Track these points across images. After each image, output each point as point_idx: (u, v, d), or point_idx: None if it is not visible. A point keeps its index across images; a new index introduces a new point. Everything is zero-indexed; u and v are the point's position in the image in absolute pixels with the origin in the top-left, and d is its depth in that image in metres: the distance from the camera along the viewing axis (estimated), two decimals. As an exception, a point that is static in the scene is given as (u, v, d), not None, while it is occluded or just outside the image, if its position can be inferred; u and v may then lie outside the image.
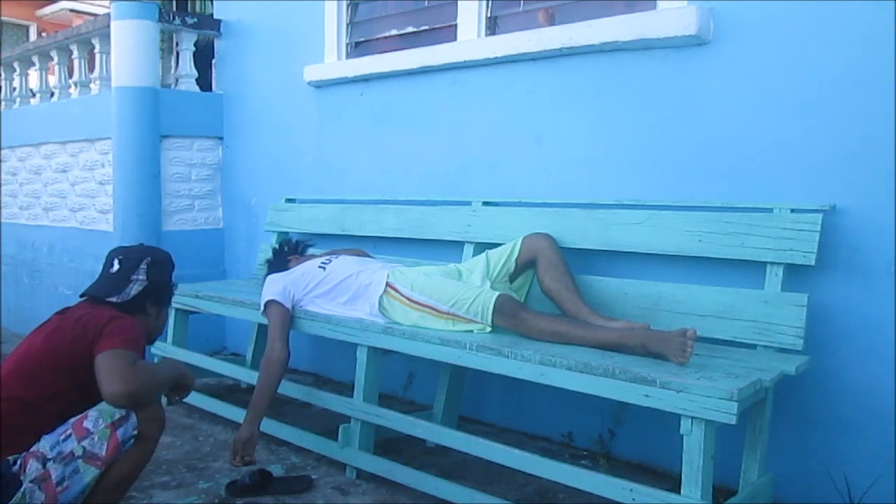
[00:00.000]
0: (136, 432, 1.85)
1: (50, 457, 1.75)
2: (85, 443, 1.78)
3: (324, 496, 2.47)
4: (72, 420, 1.82)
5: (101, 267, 2.17)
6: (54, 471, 1.74)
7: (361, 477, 2.59)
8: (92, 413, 1.82)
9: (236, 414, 2.96)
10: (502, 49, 3.01)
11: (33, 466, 1.73)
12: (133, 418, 1.85)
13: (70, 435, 1.79)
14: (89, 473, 1.78)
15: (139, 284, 2.09)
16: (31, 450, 1.76)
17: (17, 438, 1.76)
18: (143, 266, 2.11)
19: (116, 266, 2.12)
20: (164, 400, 2.12)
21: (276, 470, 2.62)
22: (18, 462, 1.73)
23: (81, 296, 2.12)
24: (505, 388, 3.06)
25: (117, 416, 1.83)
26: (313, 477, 2.60)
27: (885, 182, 2.16)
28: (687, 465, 1.83)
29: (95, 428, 1.80)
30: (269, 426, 2.80)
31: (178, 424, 3.13)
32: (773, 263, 2.27)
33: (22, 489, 1.69)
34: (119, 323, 1.92)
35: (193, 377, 2.16)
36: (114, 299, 2.04)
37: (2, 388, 1.81)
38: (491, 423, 3.12)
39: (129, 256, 2.15)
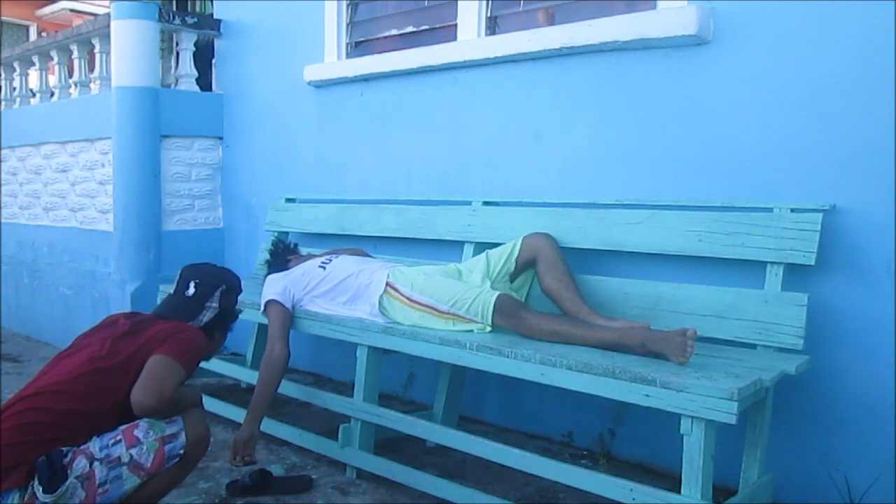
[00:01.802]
0: (182, 451, 1.86)
1: (98, 457, 1.76)
2: (133, 451, 1.79)
3: (324, 496, 2.47)
4: (123, 426, 1.83)
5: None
6: (98, 472, 1.74)
7: (361, 477, 2.59)
8: (143, 424, 1.83)
9: (236, 414, 2.96)
10: (502, 49, 3.01)
11: (81, 463, 1.74)
12: (182, 438, 1.86)
13: (120, 441, 1.80)
14: (131, 481, 1.78)
15: (212, 312, 2.11)
16: (82, 447, 1.76)
17: (73, 437, 1.77)
18: (218, 294, 2.13)
19: (192, 290, 2.13)
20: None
21: (277, 470, 2.62)
22: (69, 455, 1.73)
23: (156, 312, 2.14)
24: (505, 387, 3.06)
25: (168, 431, 1.84)
26: (313, 477, 2.60)
27: (885, 182, 2.16)
28: (687, 465, 1.83)
29: (146, 439, 1.81)
30: (269, 426, 2.80)
31: (178, 424, 3.13)
32: (773, 263, 2.27)
33: (66, 483, 1.69)
34: (187, 335, 1.95)
35: (201, 400, 2.17)
36: (189, 324, 2.07)
37: (65, 390, 1.81)
38: (491, 423, 3.12)
39: (205, 281, 2.16)
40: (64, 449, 1.73)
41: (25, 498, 1.66)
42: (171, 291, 2.21)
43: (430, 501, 2.38)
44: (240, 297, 2.32)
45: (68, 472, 1.70)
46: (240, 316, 2.31)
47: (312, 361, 3.87)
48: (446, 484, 2.36)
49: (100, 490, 1.74)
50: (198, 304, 2.12)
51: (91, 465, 1.74)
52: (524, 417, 3.03)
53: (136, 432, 1.81)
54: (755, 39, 2.41)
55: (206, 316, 2.10)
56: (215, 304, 2.13)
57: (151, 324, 2.01)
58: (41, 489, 1.65)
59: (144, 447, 1.81)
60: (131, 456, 1.79)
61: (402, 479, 2.46)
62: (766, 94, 2.39)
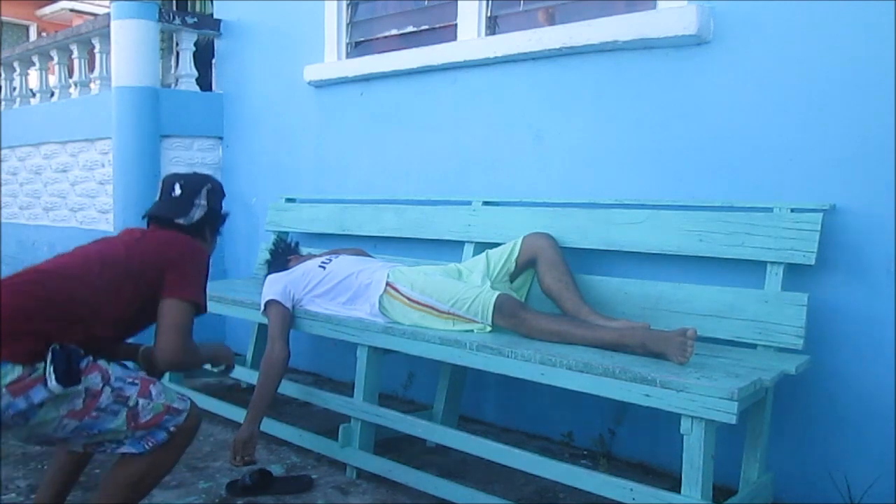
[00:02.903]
0: (173, 430, 1.84)
1: (112, 384, 1.76)
2: (141, 400, 1.79)
3: (324, 496, 2.47)
4: (144, 375, 1.87)
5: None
6: (104, 396, 1.74)
7: (362, 477, 2.59)
8: (160, 385, 1.87)
9: (236, 414, 2.96)
10: (502, 49, 3.01)
11: (95, 379, 1.73)
12: (183, 418, 1.85)
13: (136, 384, 1.80)
14: (119, 422, 1.75)
15: (201, 210, 2.12)
16: (100, 363, 1.76)
17: (71, 326, 1.75)
18: (204, 192, 2.15)
19: (178, 191, 2.14)
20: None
21: (277, 470, 2.62)
22: (86, 363, 1.72)
23: (145, 217, 2.15)
24: (505, 387, 3.06)
25: (175, 405, 1.85)
26: (313, 477, 2.60)
27: (885, 182, 2.16)
28: (687, 465, 1.83)
29: (156, 398, 1.82)
30: (269, 426, 2.80)
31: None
32: (773, 263, 2.27)
33: (77, 387, 1.68)
34: (193, 260, 1.99)
35: (230, 356, 2.27)
36: (181, 221, 2.08)
37: (77, 275, 1.83)
38: (491, 423, 3.12)
39: (189, 183, 2.18)
40: (82, 352, 1.71)
41: (30, 376, 1.62)
42: (158, 197, 2.21)
43: (430, 501, 2.38)
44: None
45: (81, 377, 1.69)
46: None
47: (312, 361, 3.87)
48: (446, 484, 2.36)
49: (94, 413, 1.72)
50: (187, 202, 2.12)
51: (103, 386, 1.74)
52: (524, 417, 3.03)
53: (151, 387, 1.83)
54: (755, 39, 2.41)
55: (197, 214, 2.11)
56: (203, 202, 2.14)
57: (154, 232, 2.06)
58: (54, 377, 1.63)
59: (151, 404, 1.80)
60: (137, 403, 1.78)
61: (402, 479, 2.46)
62: (766, 94, 2.39)
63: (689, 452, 1.83)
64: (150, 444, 1.81)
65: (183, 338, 1.90)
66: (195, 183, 2.18)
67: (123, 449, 1.80)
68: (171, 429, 1.83)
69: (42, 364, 1.64)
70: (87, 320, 1.78)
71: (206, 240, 2.18)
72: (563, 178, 2.89)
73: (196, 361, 2.11)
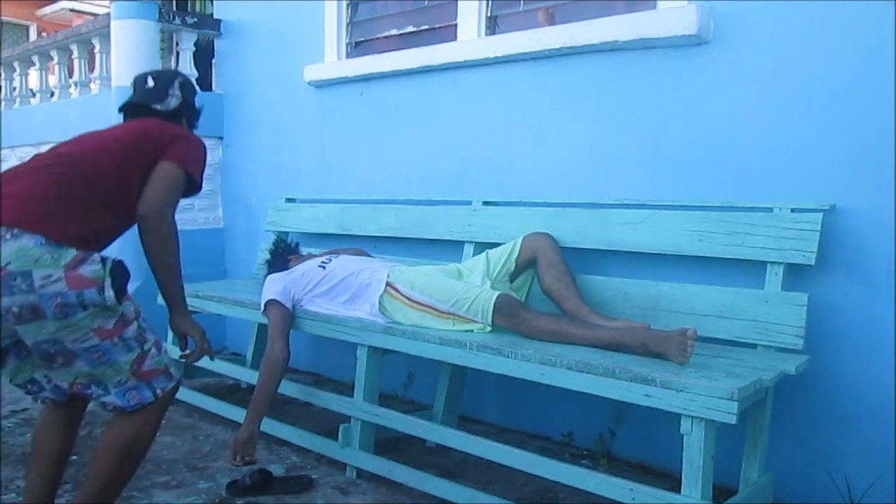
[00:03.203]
0: (158, 393, 1.83)
1: (139, 321, 1.80)
2: (152, 350, 1.82)
3: (324, 496, 2.47)
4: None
5: None
6: (132, 328, 1.76)
7: (362, 477, 2.59)
8: (165, 346, 1.91)
9: (236, 414, 2.96)
10: (502, 49, 3.01)
11: (130, 308, 1.77)
12: (171, 385, 1.86)
13: (151, 333, 1.84)
14: (127, 358, 1.76)
15: (176, 99, 2.16)
16: (133, 300, 1.80)
17: (99, 207, 1.81)
18: (177, 83, 2.20)
19: (152, 83, 2.18)
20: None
21: (277, 470, 2.62)
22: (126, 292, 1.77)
23: (121, 109, 2.17)
24: (505, 387, 3.06)
25: (172, 369, 1.88)
26: (313, 477, 2.60)
27: (885, 182, 2.16)
28: (687, 465, 1.83)
29: (162, 354, 1.85)
30: (269, 426, 2.80)
31: (178, 424, 3.14)
32: (773, 263, 2.27)
33: (119, 308, 1.71)
34: (194, 142, 2.02)
35: (205, 342, 2.09)
36: (158, 107, 2.11)
37: (88, 161, 1.85)
38: (491, 422, 3.12)
39: (161, 75, 2.23)
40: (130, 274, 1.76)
41: (86, 269, 1.65)
42: (131, 95, 2.22)
43: (430, 501, 2.38)
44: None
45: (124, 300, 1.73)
46: (201, 115, 2.35)
47: (312, 361, 3.87)
48: (446, 484, 2.36)
49: (115, 339, 1.73)
50: (162, 92, 2.15)
51: (134, 318, 1.77)
52: (524, 417, 3.03)
53: (161, 343, 1.87)
54: (755, 39, 2.41)
55: (173, 102, 2.15)
56: (178, 93, 2.17)
57: (146, 120, 2.06)
58: (112, 288, 1.66)
59: (157, 357, 1.83)
60: (149, 350, 1.81)
61: (402, 479, 2.46)
62: (766, 94, 2.39)
63: (689, 452, 1.83)
64: (134, 400, 1.79)
65: (170, 195, 1.90)
66: (167, 75, 2.23)
67: (108, 398, 1.78)
68: (158, 391, 1.83)
69: (98, 258, 1.68)
70: (109, 206, 1.83)
71: None
72: (563, 178, 2.89)
73: (174, 245, 1.92)
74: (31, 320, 1.63)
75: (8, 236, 1.61)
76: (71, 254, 1.66)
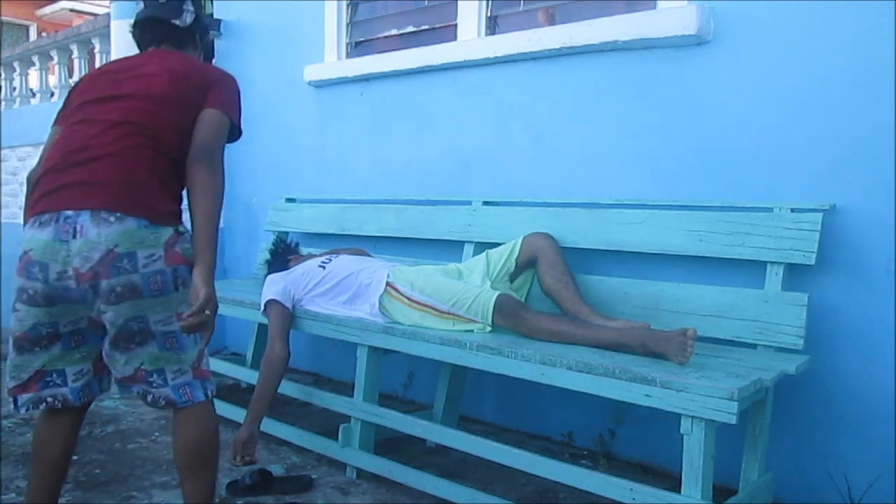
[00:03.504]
0: (209, 394, 1.86)
1: None
2: (205, 350, 1.88)
3: (324, 496, 2.47)
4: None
5: None
6: None
7: (362, 477, 2.59)
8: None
9: (236, 414, 2.96)
10: (502, 49, 3.01)
11: None
12: (213, 389, 1.89)
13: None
14: (192, 352, 1.83)
15: (191, 14, 2.12)
16: None
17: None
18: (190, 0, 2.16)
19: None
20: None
21: (277, 470, 2.62)
22: None
23: (136, 22, 2.10)
24: (505, 387, 3.06)
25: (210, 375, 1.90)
26: (313, 477, 2.60)
27: (885, 182, 2.16)
28: (687, 465, 1.83)
29: (206, 358, 1.90)
30: (269, 426, 2.80)
31: (178, 424, 3.13)
32: (773, 263, 2.27)
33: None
34: (231, 83, 2.01)
35: (208, 300, 1.74)
36: (176, 22, 2.07)
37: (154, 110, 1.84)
38: (491, 423, 3.12)
39: None
40: None
41: (180, 248, 1.76)
42: (142, 9, 2.14)
43: (430, 501, 2.38)
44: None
45: None
46: (215, 43, 2.30)
47: (312, 361, 3.87)
48: (446, 484, 2.36)
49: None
50: (177, 7, 2.11)
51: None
52: (524, 417, 3.03)
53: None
54: (755, 39, 2.41)
55: (188, 17, 2.11)
56: (191, 8, 2.13)
57: (174, 55, 2.02)
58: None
59: (207, 359, 1.89)
60: (203, 350, 1.86)
61: (403, 479, 2.46)
62: (766, 94, 2.39)
63: (689, 452, 1.83)
64: (186, 396, 1.83)
65: (220, 141, 1.88)
66: None
67: (163, 391, 1.81)
68: (209, 392, 1.88)
69: (188, 236, 1.77)
70: (179, 174, 1.84)
71: (195, 50, 2.16)
72: (563, 178, 2.89)
73: (222, 192, 1.84)
74: (129, 299, 1.71)
75: (112, 219, 1.69)
76: (168, 232, 1.76)
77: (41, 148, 1.97)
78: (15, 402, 1.84)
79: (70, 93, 1.99)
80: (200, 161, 1.81)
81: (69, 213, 1.71)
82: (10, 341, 1.82)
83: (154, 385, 1.81)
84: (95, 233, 1.69)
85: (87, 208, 1.70)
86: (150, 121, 1.82)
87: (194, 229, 1.78)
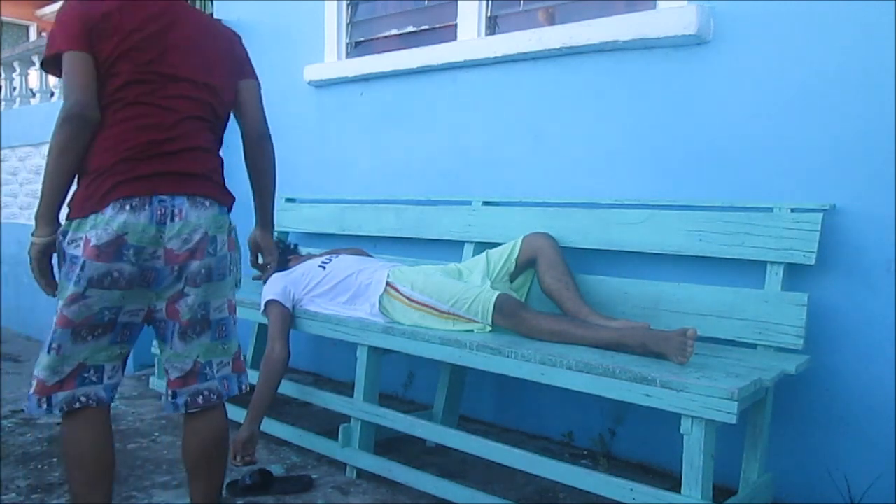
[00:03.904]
0: (243, 388, 1.93)
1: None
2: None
3: (324, 496, 2.47)
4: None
5: None
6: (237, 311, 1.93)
7: (362, 477, 2.59)
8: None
9: (237, 414, 2.95)
10: (502, 49, 3.01)
11: None
12: (245, 381, 1.96)
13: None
14: (235, 342, 1.92)
15: None
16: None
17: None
18: None
19: None
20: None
21: (277, 470, 2.62)
22: None
23: None
24: (505, 387, 3.06)
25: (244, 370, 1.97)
26: (314, 477, 2.60)
27: (885, 182, 2.17)
28: (687, 465, 1.83)
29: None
30: (269, 426, 2.80)
31: (178, 424, 3.12)
32: (773, 263, 2.27)
33: (238, 280, 1.93)
34: (242, 45, 2.03)
35: (275, 255, 2.35)
36: None
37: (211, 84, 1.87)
38: (491, 423, 3.12)
39: None
40: None
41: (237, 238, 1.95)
42: None
43: (430, 501, 2.38)
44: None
45: None
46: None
47: (312, 361, 3.87)
48: (446, 484, 2.36)
49: (234, 316, 1.91)
50: None
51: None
52: (524, 417, 3.03)
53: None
54: (755, 39, 2.41)
55: None
56: None
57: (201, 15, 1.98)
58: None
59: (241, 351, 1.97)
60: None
61: (403, 479, 2.46)
62: (766, 94, 2.39)
63: (689, 452, 1.83)
64: (226, 389, 1.88)
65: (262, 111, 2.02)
66: None
67: (213, 384, 1.85)
68: (243, 387, 1.92)
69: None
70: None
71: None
72: (563, 178, 2.89)
73: (272, 156, 2.13)
74: (206, 282, 1.79)
75: (207, 203, 1.80)
76: (230, 219, 1.91)
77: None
78: (49, 401, 1.73)
79: (108, 20, 1.69)
80: (265, 138, 2.03)
81: (164, 196, 1.72)
82: (56, 336, 1.71)
83: (207, 378, 1.84)
84: (196, 215, 1.76)
85: (182, 193, 1.75)
86: (218, 114, 1.91)
87: (265, 200, 2.17)
